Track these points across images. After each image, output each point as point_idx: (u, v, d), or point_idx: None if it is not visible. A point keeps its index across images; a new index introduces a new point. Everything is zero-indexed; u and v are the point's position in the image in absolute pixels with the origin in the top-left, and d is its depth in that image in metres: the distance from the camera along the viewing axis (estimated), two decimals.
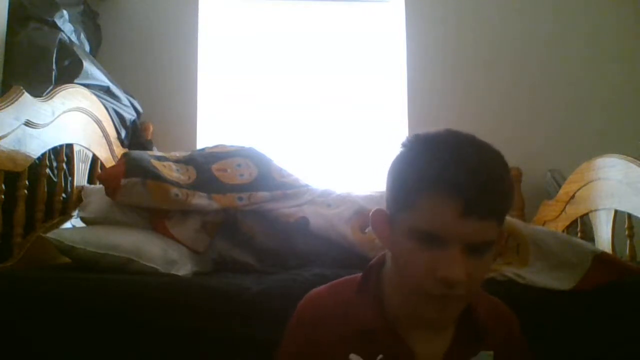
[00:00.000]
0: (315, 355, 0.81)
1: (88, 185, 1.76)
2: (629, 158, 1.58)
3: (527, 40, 2.69)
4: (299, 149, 2.62)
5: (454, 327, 0.81)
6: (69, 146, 1.68)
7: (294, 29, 2.74)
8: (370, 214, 0.83)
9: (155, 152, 1.93)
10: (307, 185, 1.66)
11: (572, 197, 1.91)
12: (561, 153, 2.49)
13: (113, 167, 1.56)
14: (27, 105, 1.40)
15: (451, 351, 0.80)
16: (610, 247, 1.66)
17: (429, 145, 0.76)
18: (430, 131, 0.78)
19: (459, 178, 0.70)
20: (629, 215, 1.60)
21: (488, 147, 0.76)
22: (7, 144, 1.32)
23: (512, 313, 0.89)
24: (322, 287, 0.89)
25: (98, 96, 1.95)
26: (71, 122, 1.67)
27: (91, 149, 1.82)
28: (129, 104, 2.25)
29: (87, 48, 2.23)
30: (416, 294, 0.74)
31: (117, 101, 2.16)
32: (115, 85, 2.17)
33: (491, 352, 0.81)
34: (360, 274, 0.87)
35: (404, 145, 0.79)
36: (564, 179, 2.05)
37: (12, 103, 1.33)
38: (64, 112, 1.61)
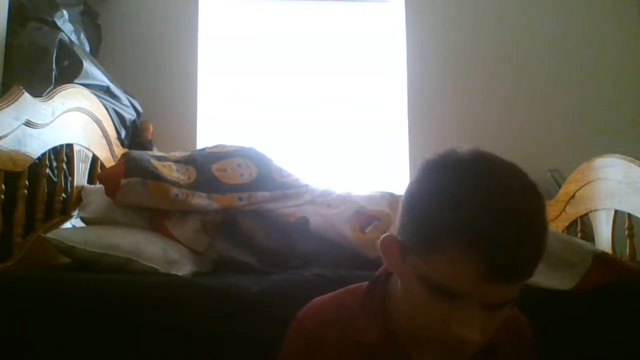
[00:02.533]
0: None
1: (88, 185, 1.76)
2: (629, 158, 1.58)
3: (527, 40, 2.69)
4: (299, 149, 2.62)
5: None
6: (69, 146, 1.68)
7: (294, 29, 2.74)
8: (381, 239, 0.74)
9: (155, 152, 1.93)
10: (307, 185, 1.66)
11: (572, 197, 1.90)
12: (561, 153, 2.49)
13: (113, 167, 1.56)
14: (27, 105, 1.40)
15: None
16: (610, 247, 1.66)
17: (455, 179, 0.64)
18: (456, 154, 0.67)
19: (488, 234, 0.58)
20: (629, 215, 1.60)
21: (524, 183, 0.64)
22: (7, 144, 1.32)
23: (523, 318, 0.84)
24: (325, 296, 0.84)
25: (98, 96, 1.95)
26: (71, 122, 1.67)
27: (91, 149, 1.82)
28: (129, 104, 2.25)
29: (87, 48, 2.23)
30: (426, 336, 0.69)
31: (117, 101, 2.16)
32: (115, 85, 2.16)
33: None
34: (364, 284, 0.83)
35: (425, 170, 0.69)
36: (564, 179, 2.05)
37: (12, 103, 1.33)
38: (64, 112, 1.60)
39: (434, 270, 0.63)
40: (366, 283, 0.83)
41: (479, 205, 0.60)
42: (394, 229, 0.75)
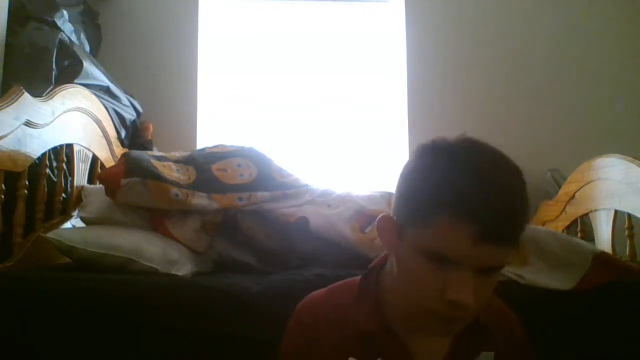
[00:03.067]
0: (313, 359, 0.80)
1: (88, 185, 1.76)
2: (629, 158, 1.58)
3: (527, 40, 2.69)
4: (299, 149, 2.62)
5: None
6: (69, 146, 1.68)
7: (294, 29, 2.74)
8: (377, 219, 0.79)
9: (155, 152, 1.93)
10: (307, 185, 1.66)
11: (572, 197, 1.91)
12: (561, 153, 2.49)
13: (113, 167, 1.55)
14: (27, 105, 1.40)
15: (451, 353, 0.79)
16: (610, 247, 1.66)
17: (446, 158, 0.71)
18: (447, 139, 0.74)
19: (478, 202, 0.66)
20: (629, 215, 1.60)
21: (508, 164, 0.72)
22: (7, 144, 1.32)
23: (513, 313, 0.88)
24: (321, 290, 0.88)
25: (98, 96, 1.95)
26: (71, 122, 1.67)
27: (91, 149, 1.82)
28: (129, 104, 2.25)
29: (87, 48, 2.23)
30: (420, 309, 0.72)
31: (117, 101, 2.16)
32: (115, 85, 2.17)
33: (492, 353, 0.80)
34: (359, 277, 0.86)
35: (418, 153, 0.75)
36: (564, 179, 2.05)
37: (12, 103, 1.33)
38: (64, 112, 1.60)
39: (430, 239, 0.69)
40: (360, 276, 0.86)
41: (469, 177, 0.68)
42: None
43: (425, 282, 0.70)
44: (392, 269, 0.80)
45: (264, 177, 1.59)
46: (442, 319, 0.71)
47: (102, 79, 2.08)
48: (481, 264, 0.68)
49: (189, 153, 1.67)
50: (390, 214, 0.78)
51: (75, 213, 1.65)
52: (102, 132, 1.94)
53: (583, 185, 1.84)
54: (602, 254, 1.20)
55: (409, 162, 0.77)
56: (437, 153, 0.73)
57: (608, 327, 1.15)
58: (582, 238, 1.78)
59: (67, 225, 1.61)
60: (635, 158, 1.56)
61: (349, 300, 0.83)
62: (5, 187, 1.33)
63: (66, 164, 1.66)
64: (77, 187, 1.70)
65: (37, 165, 1.50)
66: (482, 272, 0.69)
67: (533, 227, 1.42)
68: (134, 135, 2.31)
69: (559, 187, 2.09)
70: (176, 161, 1.57)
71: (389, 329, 0.79)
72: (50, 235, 1.30)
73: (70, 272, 1.29)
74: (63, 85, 1.67)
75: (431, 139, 0.76)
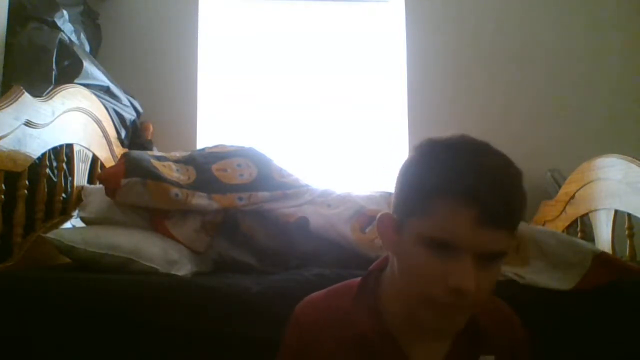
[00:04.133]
0: None
1: (88, 185, 1.76)
2: (629, 158, 1.58)
3: (527, 40, 2.69)
4: (299, 149, 2.62)
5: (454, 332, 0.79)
6: (69, 146, 1.68)
7: (294, 29, 2.74)
8: (377, 218, 0.80)
9: (155, 152, 1.93)
10: (307, 185, 1.66)
11: (572, 197, 1.91)
12: (561, 153, 2.49)
13: (113, 167, 1.56)
14: (27, 105, 1.40)
15: (450, 358, 0.79)
16: (610, 247, 1.66)
17: (444, 149, 0.73)
18: (444, 136, 0.76)
19: (476, 184, 0.67)
20: (629, 215, 1.60)
21: (503, 155, 0.74)
22: (7, 144, 1.32)
23: (515, 315, 0.87)
24: (320, 292, 0.88)
25: (98, 96, 1.95)
26: (71, 122, 1.67)
27: (91, 149, 1.82)
28: (129, 104, 2.25)
29: (87, 48, 2.23)
30: (421, 302, 0.72)
31: (117, 101, 2.16)
32: (115, 85, 2.17)
33: (492, 357, 0.79)
34: (358, 279, 0.86)
35: (416, 149, 0.77)
36: (564, 179, 2.05)
37: (12, 103, 1.33)
38: (64, 112, 1.60)
39: (430, 226, 0.70)
40: (359, 278, 0.86)
41: (467, 164, 0.70)
42: None
43: (426, 271, 0.70)
44: (393, 271, 0.79)
45: (264, 177, 1.59)
46: (443, 310, 0.70)
47: (102, 79, 2.08)
48: (481, 248, 0.68)
49: (189, 153, 1.67)
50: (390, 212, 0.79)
51: (75, 213, 1.65)
52: (102, 132, 1.94)
53: (583, 185, 1.84)
54: (602, 254, 1.19)
55: (406, 160, 0.79)
56: (434, 146, 0.75)
57: (608, 327, 1.15)
58: (582, 238, 1.78)
59: (67, 225, 1.61)
60: (635, 158, 1.56)
61: (347, 302, 0.83)
62: (5, 187, 1.33)
63: (66, 164, 1.66)
64: (77, 187, 1.70)
65: (37, 165, 1.50)
66: (482, 259, 0.69)
67: (533, 227, 1.42)
68: (134, 135, 2.31)
69: (559, 187, 2.09)
70: (176, 161, 1.57)
71: (387, 333, 0.79)
72: (50, 235, 1.30)
73: (70, 272, 1.29)
74: (63, 85, 1.67)
75: (425, 138, 0.78)
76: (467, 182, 0.68)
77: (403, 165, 0.78)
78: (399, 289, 0.78)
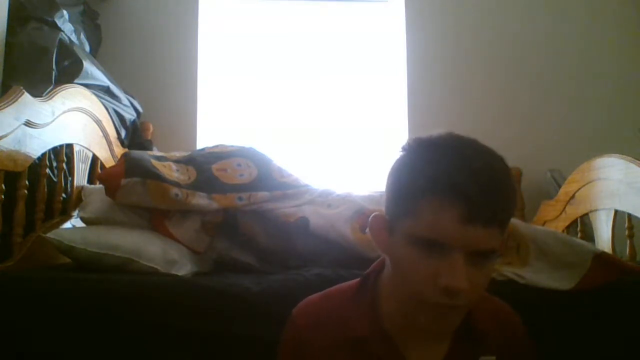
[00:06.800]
0: None
1: (88, 185, 1.76)
2: (629, 158, 1.58)
3: (527, 40, 2.69)
4: (299, 149, 2.62)
5: (451, 333, 0.79)
6: (69, 146, 1.68)
7: (294, 29, 2.74)
8: (369, 219, 0.80)
9: (155, 152, 1.93)
10: (307, 185, 1.66)
11: (572, 197, 1.91)
12: (561, 153, 2.49)
13: (113, 167, 1.56)
14: (27, 105, 1.40)
15: (449, 358, 0.79)
16: (610, 247, 1.66)
17: (430, 148, 0.74)
18: (432, 134, 0.76)
19: (462, 182, 0.67)
20: (629, 215, 1.60)
21: (490, 151, 0.74)
22: (7, 144, 1.32)
23: (515, 315, 0.87)
24: (318, 294, 0.88)
25: (98, 96, 1.95)
26: (71, 122, 1.67)
27: (91, 149, 1.82)
28: (129, 104, 2.25)
29: (87, 48, 2.23)
30: (415, 302, 0.72)
31: (117, 101, 2.16)
32: (115, 85, 2.17)
33: (493, 357, 0.79)
34: (356, 281, 0.86)
35: (404, 148, 0.77)
36: (564, 179, 2.05)
37: (12, 103, 1.33)
38: (64, 112, 1.60)
39: (419, 226, 0.70)
40: (357, 280, 0.86)
41: (452, 160, 0.70)
42: None
43: (418, 271, 0.70)
44: (389, 272, 0.79)
45: (264, 177, 1.59)
46: (436, 310, 0.70)
47: (102, 79, 2.08)
48: (471, 246, 0.68)
49: (189, 153, 1.67)
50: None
51: (75, 213, 1.65)
52: (102, 132, 1.94)
53: (583, 185, 1.84)
54: (603, 254, 1.19)
55: (394, 162, 0.79)
56: (419, 146, 0.75)
57: (608, 327, 1.15)
58: (582, 238, 1.78)
59: (67, 225, 1.61)
60: (635, 158, 1.56)
61: (345, 304, 0.83)
62: (5, 187, 1.33)
63: (66, 164, 1.66)
64: (77, 187, 1.70)
65: (37, 165, 1.50)
66: (473, 257, 0.69)
67: (533, 227, 1.42)
68: (134, 135, 2.31)
69: (559, 187, 2.09)
70: (176, 161, 1.57)
71: (385, 334, 0.79)
72: (50, 235, 1.29)
73: (70, 272, 1.29)
74: (63, 85, 1.67)
75: (412, 138, 0.78)
76: (451, 181, 0.68)
77: (392, 166, 0.79)
78: (393, 290, 0.79)
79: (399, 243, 0.73)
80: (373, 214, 0.80)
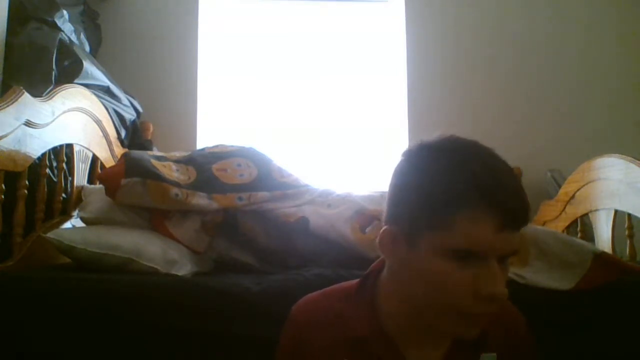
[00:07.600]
0: None
1: (88, 185, 1.76)
2: (629, 158, 1.58)
3: (527, 40, 2.69)
4: (299, 149, 2.62)
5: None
6: (69, 146, 1.68)
7: (294, 29, 2.74)
8: (378, 238, 0.77)
9: (155, 152, 1.93)
10: (307, 185, 1.66)
11: (572, 197, 1.91)
12: (561, 153, 2.49)
13: (113, 167, 1.56)
14: (27, 105, 1.40)
15: (449, 357, 0.78)
16: (610, 247, 1.66)
17: (444, 156, 0.71)
18: (433, 140, 0.75)
19: (496, 192, 0.67)
20: (629, 215, 1.60)
21: (494, 151, 0.74)
22: (7, 144, 1.32)
23: (518, 312, 0.87)
24: (317, 292, 0.88)
25: (98, 96, 1.95)
26: (71, 122, 1.67)
27: (91, 149, 1.82)
28: (129, 104, 2.25)
29: (87, 48, 2.23)
30: (446, 313, 0.70)
31: (117, 101, 2.16)
32: (115, 85, 2.17)
33: (494, 354, 0.79)
34: (356, 281, 0.86)
35: (410, 155, 0.75)
36: (564, 179, 2.05)
37: (12, 103, 1.33)
38: (64, 112, 1.60)
39: (453, 238, 0.68)
40: (357, 280, 0.86)
41: (478, 172, 0.69)
42: None
43: (454, 283, 0.69)
44: (391, 274, 0.79)
45: (264, 177, 1.59)
46: (471, 318, 0.70)
47: (102, 79, 2.08)
48: (502, 251, 0.69)
49: (189, 153, 1.67)
50: (386, 224, 0.77)
51: (75, 213, 1.65)
52: (102, 132, 1.94)
53: (583, 185, 1.84)
54: (603, 253, 1.19)
55: (401, 169, 0.76)
56: (431, 154, 0.73)
57: (608, 326, 1.15)
58: (582, 238, 1.78)
59: (67, 225, 1.61)
60: (635, 158, 1.56)
61: (344, 303, 0.82)
62: (5, 187, 1.33)
63: (66, 164, 1.66)
64: (77, 187, 1.70)
65: (37, 165, 1.50)
66: (501, 260, 0.69)
67: (533, 227, 1.42)
68: (134, 135, 2.31)
69: (559, 187, 2.09)
70: (176, 161, 1.57)
71: (384, 334, 0.78)
72: (50, 235, 1.29)
73: (70, 272, 1.28)
74: (63, 85, 1.67)
75: (412, 144, 0.76)
76: (484, 188, 0.67)
77: (399, 173, 0.76)
78: (409, 298, 0.76)
79: (424, 256, 0.71)
80: (382, 229, 0.77)
